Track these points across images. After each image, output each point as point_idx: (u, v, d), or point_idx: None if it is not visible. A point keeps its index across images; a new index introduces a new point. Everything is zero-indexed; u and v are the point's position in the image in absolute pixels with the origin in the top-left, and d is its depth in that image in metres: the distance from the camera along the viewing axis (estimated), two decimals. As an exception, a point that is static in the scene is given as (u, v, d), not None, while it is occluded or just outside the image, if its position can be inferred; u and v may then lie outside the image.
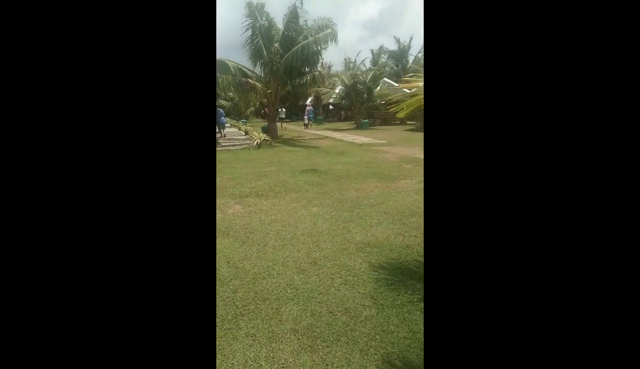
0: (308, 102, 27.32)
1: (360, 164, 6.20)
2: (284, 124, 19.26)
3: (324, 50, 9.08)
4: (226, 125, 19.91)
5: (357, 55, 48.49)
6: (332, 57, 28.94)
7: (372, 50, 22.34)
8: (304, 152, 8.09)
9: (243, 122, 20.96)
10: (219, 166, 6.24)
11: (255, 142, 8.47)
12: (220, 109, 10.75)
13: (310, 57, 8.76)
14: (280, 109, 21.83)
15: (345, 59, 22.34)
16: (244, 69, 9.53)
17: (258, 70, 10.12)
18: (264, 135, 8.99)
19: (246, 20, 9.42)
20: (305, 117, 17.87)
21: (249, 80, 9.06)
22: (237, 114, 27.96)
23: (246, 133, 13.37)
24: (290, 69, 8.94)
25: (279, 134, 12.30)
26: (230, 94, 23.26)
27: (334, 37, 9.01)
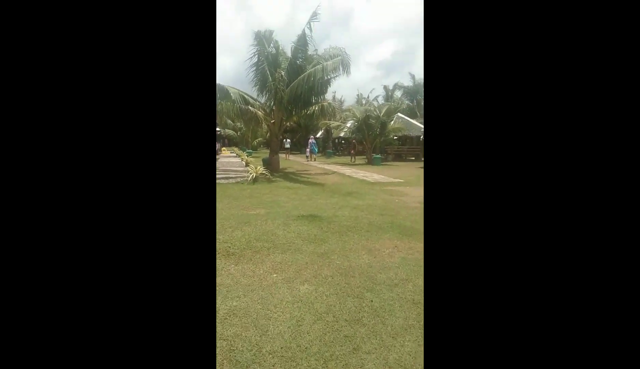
0: (319, 135, 27.07)
1: (372, 210, 5.01)
2: (289, 156, 19.57)
3: (333, 80, 8.41)
4: (222, 154, 19.59)
5: (371, 92, 49.55)
6: (344, 94, 29.43)
7: (385, 87, 22.17)
8: (305, 190, 6.98)
9: (249, 152, 20.41)
10: (197, 204, 5.15)
11: (251, 176, 7.45)
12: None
13: (317, 86, 8.02)
14: (285, 140, 21.94)
15: (357, 95, 22.16)
16: (246, 96, 8.90)
17: (263, 99, 9.47)
18: (261, 168, 8.00)
19: (253, 48, 8.95)
20: (307, 149, 18.26)
21: (250, 108, 8.30)
22: (244, 144, 27.78)
23: (247, 164, 12.55)
24: (295, 98, 8.22)
25: (281, 167, 11.40)
26: (238, 123, 23.16)
27: (345, 67, 8.31)
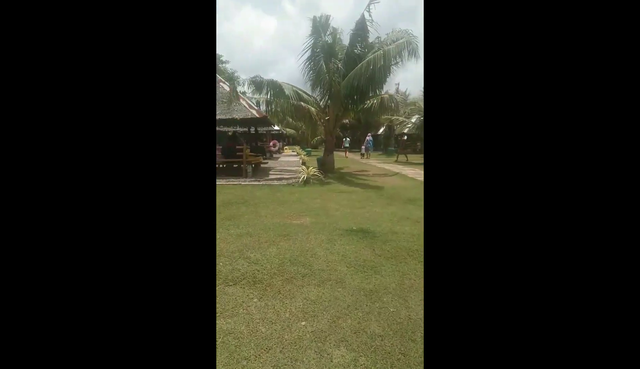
0: (380, 131, 25.71)
1: (442, 227, 3.98)
2: (348, 154, 19.48)
3: (397, 67, 7.31)
4: (283, 153, 20.17)
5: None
6: (409, 88, 26.98)
7: None
8: (360, 194, 6.21)
9: (307, 151, 20.38)
10: (241, 209, 4.85)
11: (302, 177, 6.98)
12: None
13: (377, 75, 7.06)
14: (345, 138, 21.40)
15: (421, 90, 20.10)
16: (299, 91, 8.46)
17: (317, 94, 8.93)
18: (314, 169, 7.48)
19: (308, 39, 8.44)
20: (363, 147, 18.12)
21: (303, 104, 7.82)
22: (305, 143, 28.06)
23: (303, 163, 12.28)
24: (352, 91, 7.43)
25: (337, 167, 10.77)
26: (299, 122, 23.42)
27: (412, 50, 7.13)
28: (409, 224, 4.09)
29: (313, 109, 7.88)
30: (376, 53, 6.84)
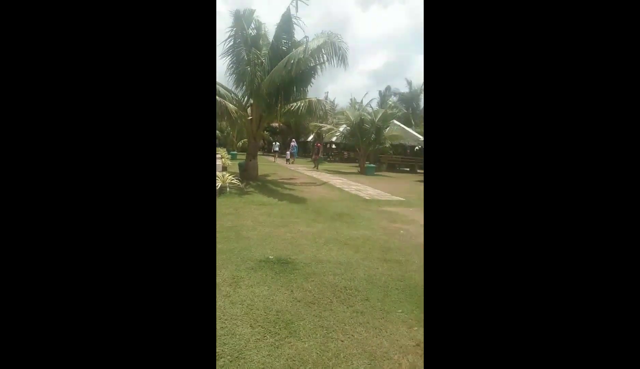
0: (310, 138, 25.66)
1: (371, 250, 3.53)
2: (277, 159, 19.06)
3: (322, 70, 6.82)
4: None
5: (365, 95, 48.60)
6: (337, 100, 27.73)
7: (380, 91, 20.72)
8: (283, 208, 5.44)
9: (233, 155, 18.68)
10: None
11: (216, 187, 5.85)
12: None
13: (300, 73, 6.46)
14: (274, 143, 20.65)
15: (351, 99, 20.70)
16: (219, 87, 7.29)
17: (240, 91, 7.87)
18: (231, 176, 6.41)
19: (230, 29, 7.35)
20: (288, 152, 17.85)
21: (220, 100, 6.67)
22: (231, 145, 25.98)
23: (224, 168, 10.91)
24: (276, 90, 6.67)
25: (263, 173, 9.83)
26: (223, 123, 21.52)
27: (341, 56, 6.76)
28: (336, 248, 3.50)
29: (232, 105, 6.78)
30: (302, 49, 6.22)
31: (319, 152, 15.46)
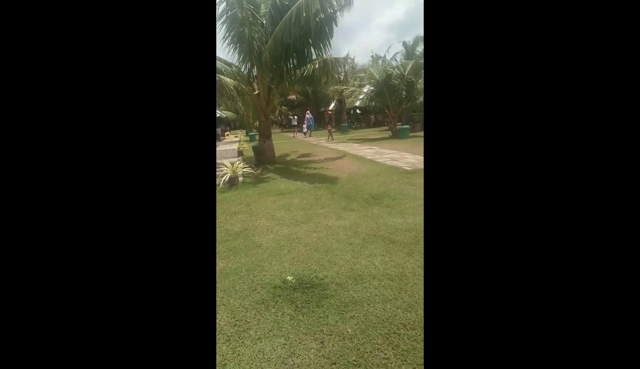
0: (331, 106, 24.27)
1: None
2: (296, 134, 18.38)
3: (337, 18, 5.46)
4: (225, 140, 18.23)
5: (388, 49, 44.84)
6: (356, 61, 24.77)
7: (404, 42, 18.25)
8: (306, 196, 4.57)
9: (251, 136, 18.05)
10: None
11: (224, 178, 5.10)
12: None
13: (312, 26, 5.21)
14: (292, 117, 19.70)
15: (372, 56, 18.55)
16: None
17: (241, 62, 6.82)
18: (241, 164, 5.60)
19: None
20: (304, 125, 17.16)
21: (219, 77, 5.69)
22: (247, 126, 25.39)
23: (239, 153, 10.23)
24: (283, 52, 5.54)
25: (282, 153, 8.98)
26: (238, 104, 20.79)
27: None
28: (379, 250, 2.57)
29: (229, 80, 5.80)
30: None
31: (331, 120, 14.14)
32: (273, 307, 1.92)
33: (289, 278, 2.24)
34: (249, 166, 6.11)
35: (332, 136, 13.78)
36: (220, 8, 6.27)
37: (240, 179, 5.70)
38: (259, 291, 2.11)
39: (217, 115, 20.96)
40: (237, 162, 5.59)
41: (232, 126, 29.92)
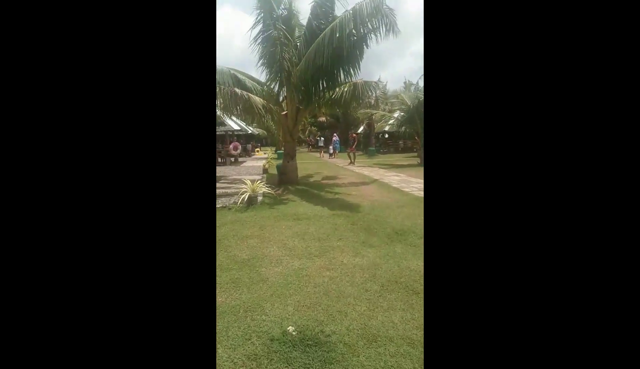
0: (360, 130, 24.22)
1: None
2: (322, 154, 18.92)
3: (370, 38, 5.31)
4: (255, 155, 18.72)
5: (420, 77, 44.78)
6: (388, 87, 24.49)
7: None
8: (323, 223, 4.27)
9: (280, 154, 18.30)
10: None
11: (242, 197, 4.95)
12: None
13: (345, 47, 5.08)
14: (320, 138, 19.89)
15: (405, 82, 18.40)
16: (240, 76, 6.39)
17: (273, 83, 6.87)
18: (261, 184, 5.45)
19: (257, 12, 6.36)
20: (331, 147, 17.31)
21: (245, 94, 5.71)
22: (276, 144, 25.93)
23: (264, 171, 10.23)
24: (314, 73, 5.47)
25: (305, 173, 8.82)
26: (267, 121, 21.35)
27: (390, 25, 5.23)
28: (401, 303, 2.19)
29: (258, 99, 5.80)
30: (342, 21, 4.84)
31: (354, 144, 13.73)
32: (266, 367, 1.61)
33: (290, 328, 1.92)
34: (269, 186, 5.96)
35: (353, 159, 13.38)
36: (257, 29, 6.43)
37: (260, 198, 5.54)
38: (254, 342, 1.81)
39: (249, 131, 21.61)
40: (258, 182, 5.45)
41: (263, 142, 30.71)
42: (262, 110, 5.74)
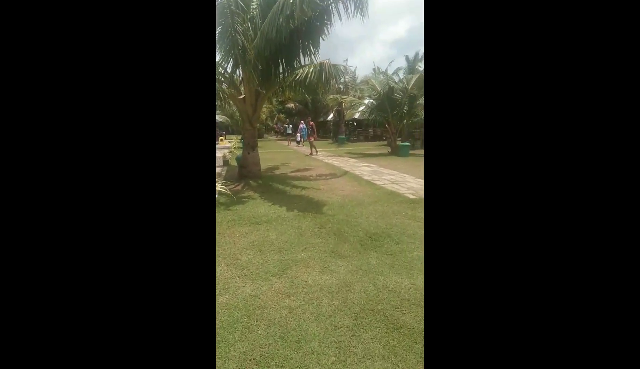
0: (329, 118, 23.63)
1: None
2: (290, 143, 18.19)
3: (333, 11, 4.61)
4: (220, 144, 17.55)
5: (390, 64, 44.83)
6: (358, 74, 23.68)
7: (407, 56, 17.75)
8: (286, 228, 3.67)
9: (241, 141, 17.20)
10: None
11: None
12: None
13: (310, 26, 4.36)
14: (287, 125, 19.13)
15: (374, 69, 17.93)
16: None
17: (228, 64, 5.96)
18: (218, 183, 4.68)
19: None
20: (298, 134, 16.22)
21: None
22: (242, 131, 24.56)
23: (225, 163, 9.32)
24: (272, 50, 4.70)
25: (271, 165, 8.09)
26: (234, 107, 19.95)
27: (358, 2, 4.57)
28: (378, 347, 1.68)
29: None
30: None
31: (314, 131, 12.89)
32: None
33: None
34: (226, 183, 5.20)
35: (315, 149, 12.43)
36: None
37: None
38: None
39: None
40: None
41: (229, 130, 29.07)
42: (220, 94, 4.89)
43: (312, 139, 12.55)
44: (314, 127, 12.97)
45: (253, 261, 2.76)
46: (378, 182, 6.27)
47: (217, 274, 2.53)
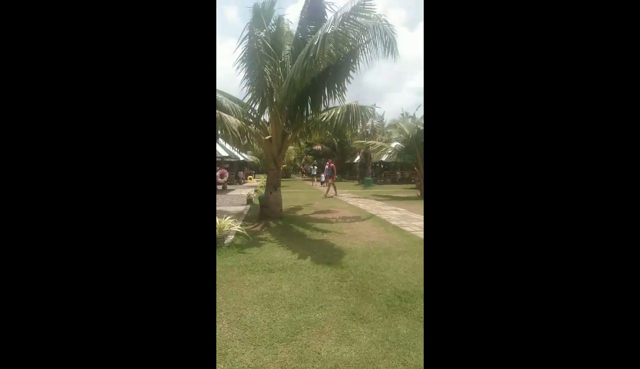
0: (356, 160, 23.69)
1: None
2: (314, 182, 18.56)
3: (363, 53, 4.60)
4: (246, 183, 17.85)
5: (417, 109, 45.48)
6: (385, 119, 23.85)
7: None
8: (301, 278, 3.27)
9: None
10: None
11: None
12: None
13: (336, 67, 4.33)
14: (312, 166, 19.38)
15: (402, 114, 18.09)
16: (222, 97, 5.62)
17: (256, 105, 6.10)
18: (231, 220, 4.45)
19: (245, 31, 5.74)
20: (323, 175, 16.46)
21: (225, 115, 4.84)
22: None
23: (249, 201, 9.27)
24: (298, 92, 4.69)
25: (293, 205, 7.86)
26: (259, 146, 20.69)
27: (387, 42, 4.55)
28: None
29: (233, 119, 4.97)
30: (327, 31, 4.11)
31: (333, 172, 12.54)
32: None
33: None
34: (244, 224, 4.97)
35: (328, 192, 11.97)
36: (240, 46, 5.78)
37: (230, 238, 4.53)
38: None
39: (242, 158, 20.91)
40: (227, 218, 4.46)
41: (258, 170, 30.02)
42: (237, 132, 4.90)
43: (331, 181, 12.34)
44: (334, 169, 12.82)
45: (259, 320, 2.37)
46: (407, 229, 5.74)
47: (217, 334, 2.15)
